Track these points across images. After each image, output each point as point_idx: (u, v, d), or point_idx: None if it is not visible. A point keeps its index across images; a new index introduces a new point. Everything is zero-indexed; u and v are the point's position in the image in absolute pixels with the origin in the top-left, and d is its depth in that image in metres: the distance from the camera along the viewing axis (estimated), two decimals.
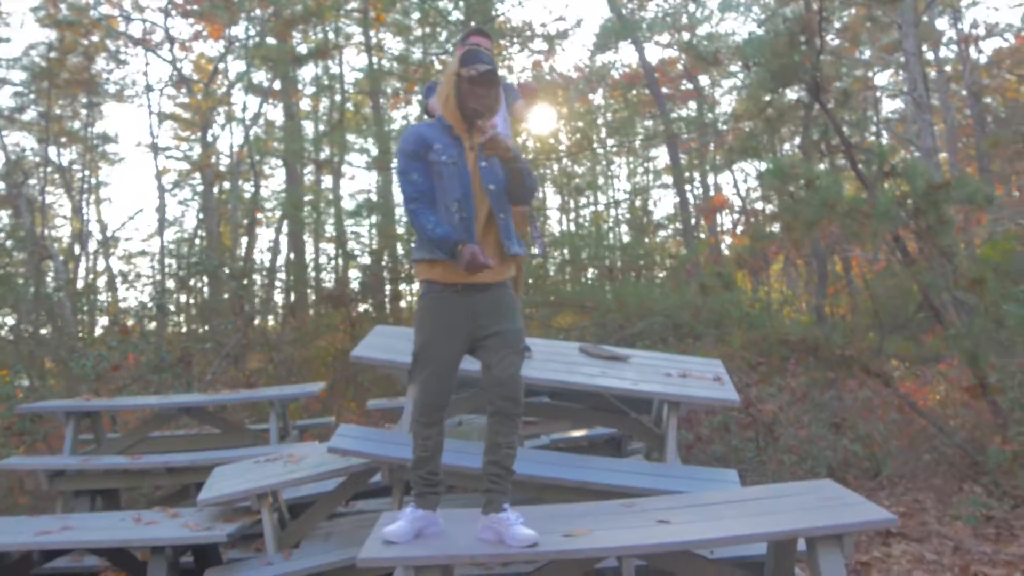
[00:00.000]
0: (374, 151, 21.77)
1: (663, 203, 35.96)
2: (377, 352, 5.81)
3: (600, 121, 28.88)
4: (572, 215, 28.47)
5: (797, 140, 17.56)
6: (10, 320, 13.64)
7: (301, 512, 5.93)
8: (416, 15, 16.09)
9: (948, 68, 23.51)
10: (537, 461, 5.28)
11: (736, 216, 27.00)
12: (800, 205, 7.91)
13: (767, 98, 10.02)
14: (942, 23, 23.24)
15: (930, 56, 21.49)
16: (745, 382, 7.93)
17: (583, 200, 28.22)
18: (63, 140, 26.21)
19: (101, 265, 27.71)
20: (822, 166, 11.27)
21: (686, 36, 25.84)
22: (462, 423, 6.42)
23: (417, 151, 4.05)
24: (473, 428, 6.32)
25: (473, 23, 13.81)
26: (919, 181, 8.55)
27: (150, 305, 14.30)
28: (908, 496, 8.26)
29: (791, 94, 10.27)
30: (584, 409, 6.18)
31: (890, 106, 26.86)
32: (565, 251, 21.41)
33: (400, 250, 18.73)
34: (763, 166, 11.92)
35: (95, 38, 24.11)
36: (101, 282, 26.06)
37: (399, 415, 5.83)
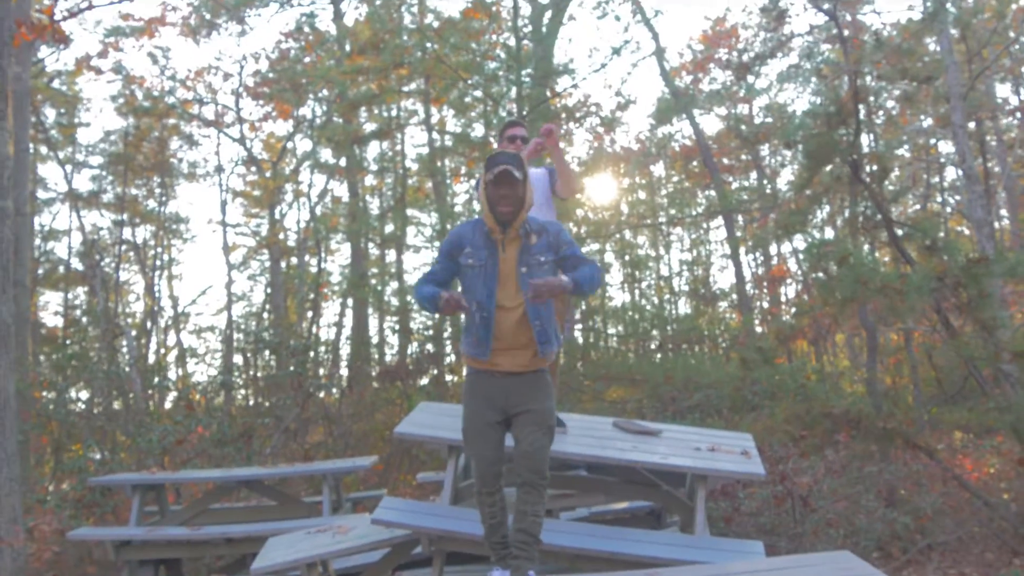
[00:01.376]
0: (437, 226, 22.22)
1: (725, 274, 35.92)
2: (419, 428, 6.07)
3: (662, 192, 29.13)
4: (633, 287, 28.63)
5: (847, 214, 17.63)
6: (84, 395, 14.17)
7: None
8: (477, 92, 16.63)
9: (1014, 134, 23.38)
10: (571, 532, 5.51)
11: (798, 287, 26.94)
12: (835, 282, 8.08)
13: (809, 175, 10.22)
14: (1004, 90, 23.24)
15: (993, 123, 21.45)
16: (780, 455, 8.03)
17: (644, 272, 28.38)
18: (137, 220, 27.17)
19: (172, 340, 28.48)
20: (867, 243, 11.42)
21: (743, 108, 26.21)
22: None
23: (450, 251, 4.46)
24: (511, 501, 6.53)
25: (526, 107, 14.25)
26: (959, 256, 8.68)
27: (217, 380, 14.78)
28: (955, 569, 8.26)
29: (835, 169, 10.44)
30: (618, 482, 6.38)
31: (952, 173, 26.73)
32: (619, 326, 21.57)
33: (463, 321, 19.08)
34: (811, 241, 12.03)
35: (170, 121, 25.12)
36: (172, 356, 26.74)
37: None
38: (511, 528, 4.34)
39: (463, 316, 4.44)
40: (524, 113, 14.10)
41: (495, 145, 17.39)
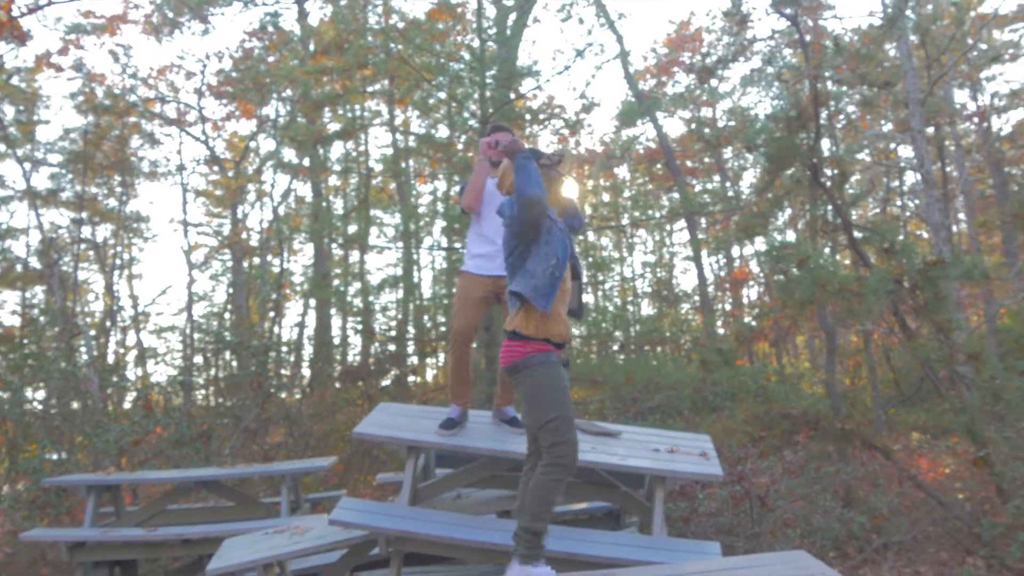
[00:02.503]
0: (400, 227, 22.20)
1: (688, 276, 36.18)
2: (378, 429, 6.05)
3: (626, 195, 29.26)
4: (596, 288, 28.74)
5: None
6: (40, 395, 13.99)
7: None
8: (441, 94, 16.60)
9: (972, 139, 23.72)
10: None
11: (760, 289, 27.17)
12: (794, 284, 8.15)
13: (770, 178, 10.31)
14: (962, 95, 23.56)
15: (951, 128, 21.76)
16: (739, 456, 8.09)
17: (607, 274, 28.50)
18: (97, 219, 26.89)
19: (132, 339, 28.22)
20: (827, 245, 11.53)
21: (707, 112, 26.39)
22: (460, 496, 6.64)
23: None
24: (472, 501, 6.54)
25: (490, 109, 14.23)
26: (915, 259, 8.79)
27: (176, 380, 14.66)
28: (909, 568, 8.36)
29: (796, 172, 10.54)
30: (577, 483, 6.38)
31: (911, 178, 27.06)
32: (581, 327, 21.59)
33: (427, 323, 19.05)
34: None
35: (131, 119, 24.88)
36: (131, 356, 26.50)
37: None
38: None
39: (529, 274, 4.46)
40: (489, 112, 14.07)
41: (459, 146, 17.44)
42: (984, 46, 21.59)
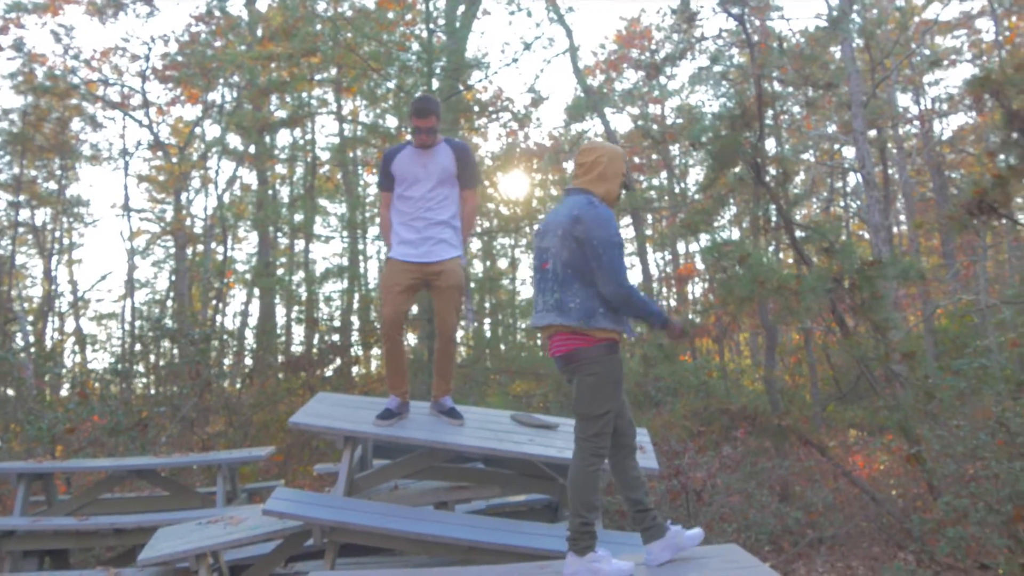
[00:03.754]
0: (346, 216, 22.08)
1: (633, 272, 36.35)
2: (315, 419, 6.00)
3: None
4: None
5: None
6: None
7: (241, 573, 6.09)
8: (389, 84, 16.51)
9: (913, 143, 24.16)
10: (466, 524, 5.52)
11: (705, 285, 27.41)
12: (734, 281, 8.23)
13: (714, 176, 10.40)
14: (905, 99, 23.99)
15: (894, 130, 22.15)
16: (677, 450, 8.16)
17: None
18: (35, 202, 26.41)
19: (71, 326, 27.78)
20: (770, 244, 11.67)
21: (655, 108, 26.56)
22: (397, 487, 6.62)
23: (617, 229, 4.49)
24: (409, 492, 6.52)
25: (439, 100, 14.18)
26: (854, 259, 8.91)
27: (114, 368, 14.44)
28: (842, 563, 8.49)
29: (740, 171, 10.64)
30: (515, 475, 6.40)
31: (853, 179, 27.47)
32: (526, 320, 21.66)
33: (372, 313, 18.94)
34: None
35: (72, 101, 24.42)
36: (69, 343, 26.07)
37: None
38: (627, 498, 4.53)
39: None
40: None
41: (408, 135, 17.36)
42: (927, 51, 22.00)
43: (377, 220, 21.10)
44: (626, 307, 4.31)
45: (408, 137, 8.03)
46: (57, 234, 28.55)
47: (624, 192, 4.58)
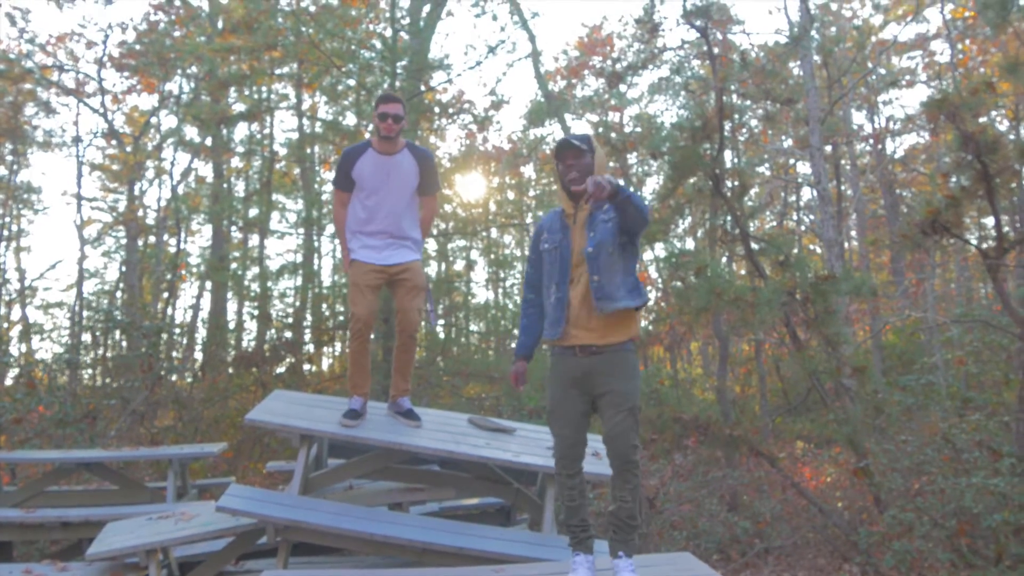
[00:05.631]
0: (302, 212, 21.97)
1: None
2: (272, 416, 5.98)
3: (531, 194, 29.42)
4: (497, 285, 28.81)
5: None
6: None
7: (191, 570, 6.04)
8: (351, 81, 16.45)
9: (867, 160, 24.54)
10: (420, 526, 5.52)
11: (659, 294, 27.55)
12: (690, 291, 8.31)
13: (672, 186, 10.48)
14: (860, 117, 24.36)
15: (848, 147, 22.50)
16: None
17: (508, 271, 28.59)
18: None
19: (17, 314, 27.31)
20: (724, 255, 11.79)
21: (614, 116, 26.69)
22: (352, 487, 6.61)
23: (535, 243, 4.57)
24: (363, 492, 6.51)
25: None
26: (808, 272, 9.04)
27: (62, 358, 14.23)
28: (788, 573, 8.60)
29: (698, 182, 10.74)
30: (470, 478, 6.42)
31: (808, 193, 27.81)
32: (481, 323, 21.67)
33: (325, 311, 18.84)
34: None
35: (26, 86, 24.01)
36: (15, 332, 25.63)
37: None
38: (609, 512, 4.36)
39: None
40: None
41: (367, 134, 17.31)
42: (883, 71, 22.34)
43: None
44: None
45: (368, 135, 8.01)
46: (6, 220, 28.05)
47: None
